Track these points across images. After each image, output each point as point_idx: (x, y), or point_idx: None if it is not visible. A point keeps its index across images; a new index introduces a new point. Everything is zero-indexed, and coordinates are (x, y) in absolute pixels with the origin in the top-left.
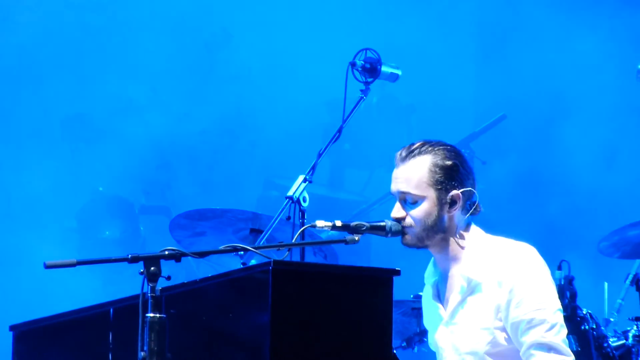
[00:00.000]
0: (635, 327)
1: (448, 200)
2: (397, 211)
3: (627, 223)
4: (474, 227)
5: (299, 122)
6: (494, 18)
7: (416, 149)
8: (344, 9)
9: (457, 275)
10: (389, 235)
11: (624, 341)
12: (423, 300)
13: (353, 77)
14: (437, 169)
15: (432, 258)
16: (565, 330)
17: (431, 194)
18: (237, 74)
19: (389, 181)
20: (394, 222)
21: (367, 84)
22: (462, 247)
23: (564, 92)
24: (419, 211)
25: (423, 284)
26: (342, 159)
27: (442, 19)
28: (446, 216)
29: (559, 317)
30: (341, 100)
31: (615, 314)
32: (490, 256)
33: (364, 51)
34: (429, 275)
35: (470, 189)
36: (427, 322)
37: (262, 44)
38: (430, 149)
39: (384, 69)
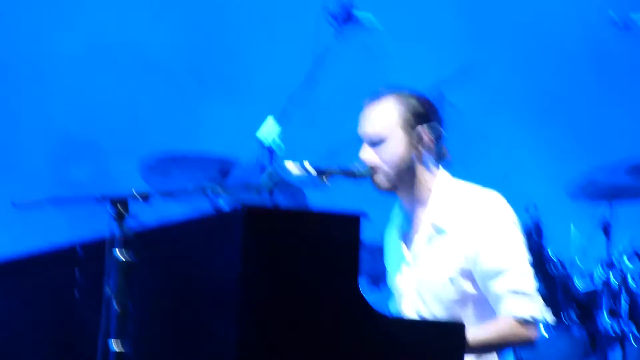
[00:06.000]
0: (600, 270)
1: (415, 138)
2: (365, 153)
3: (596, 165)
4: (441, 170)
5: (271, 65)
6: None
7: (382, 92)
8: None
9: (424, 219)
10: (358, 178)
11: (589, 283)
12: (386, 241)
13: (327, 21)
14: (402, 108)
15: (398, 200)
16: (534, 278)
17: (397, 132)
18: (209, 19)
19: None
20: (363, 165)
21: (340, 29)
22: (430, 190)
23: (541, 33)
24: (386, 150)
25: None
26: (314, 103)
27: None
28: (413, 155)
29: (528, 265)
30: (314, 45)
31: (582, 256)
32: (458, 203)
33: None
34: (395, 217)
35: (437, 126)
36: (389, 263)
37: None
38: (395, 91)
39: (357, 14)
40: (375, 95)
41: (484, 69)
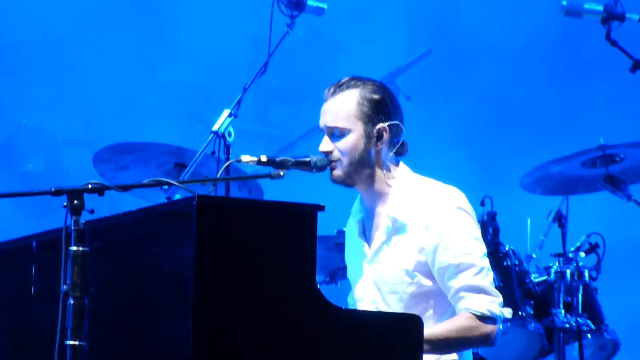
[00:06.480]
0: (557, 263)
1: (375, 134)
2: (325, 145)
3: (549, 159)
4: (402, 166)
5: (223, 56)
6: None
7: (344, 83)
8: None
9: (383, 215)
10: (314, 170)
11: (545, 277)
12: (347, 235)
13: (279, 10)
14: (365, 102)
15: (359, 195)
16: (492, 274)
17: (358, 127)
18: (159, 5)
19: (314, 116)
20: (320, 157)
21: (292, 17)
22: (389, 185)
23: (489, 26)
24: (345, 144)
25: (347, 220)
26: (268, 93)
27: None
28: (373, 150)
29: (486, 262)
30: (267, 34)
31: (538, 250)
32: (417, 198)
33: None
34: (356, 212)
35: (397, 123)
36: (349, 257)
37: None
38: (359, 83)
39: (310, 2)
40: (337, 84)
41: (434, 61)
